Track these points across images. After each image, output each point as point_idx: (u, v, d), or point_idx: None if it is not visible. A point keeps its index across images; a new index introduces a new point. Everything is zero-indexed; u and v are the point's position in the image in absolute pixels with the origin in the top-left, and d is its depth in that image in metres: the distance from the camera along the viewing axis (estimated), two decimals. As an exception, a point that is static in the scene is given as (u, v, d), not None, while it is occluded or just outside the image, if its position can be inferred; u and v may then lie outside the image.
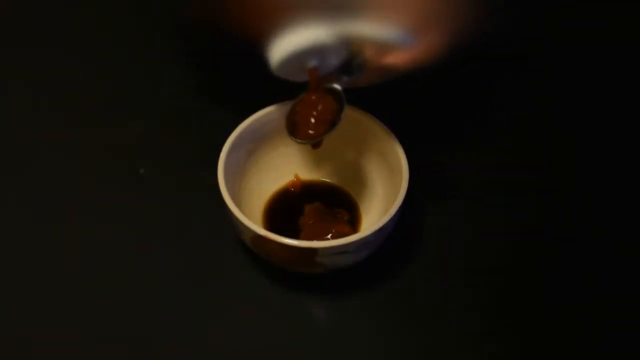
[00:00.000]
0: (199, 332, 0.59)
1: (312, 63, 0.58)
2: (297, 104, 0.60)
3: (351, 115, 0.64)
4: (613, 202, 0.67)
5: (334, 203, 0.66)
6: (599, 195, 0.68)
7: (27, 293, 0.62)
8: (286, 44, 0.56)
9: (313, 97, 0.60)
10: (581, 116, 0.74)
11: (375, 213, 0.64)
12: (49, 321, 0.60)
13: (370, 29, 0.55)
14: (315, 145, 0.61)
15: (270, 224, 0.65)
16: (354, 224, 0.65)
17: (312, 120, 0.60)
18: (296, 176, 0.69)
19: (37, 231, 0.65)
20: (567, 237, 0.65)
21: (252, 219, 0.59)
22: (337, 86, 0.59)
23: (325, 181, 0.69)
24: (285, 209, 0.66)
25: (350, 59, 0.58)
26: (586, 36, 0.79)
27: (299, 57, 0.57)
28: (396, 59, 0.57)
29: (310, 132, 0.60)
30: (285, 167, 0.68)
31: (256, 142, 0.65)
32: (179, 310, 0.61)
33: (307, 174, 0.69)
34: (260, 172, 0.67)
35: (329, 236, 0.62)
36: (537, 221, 0.66)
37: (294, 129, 0.60)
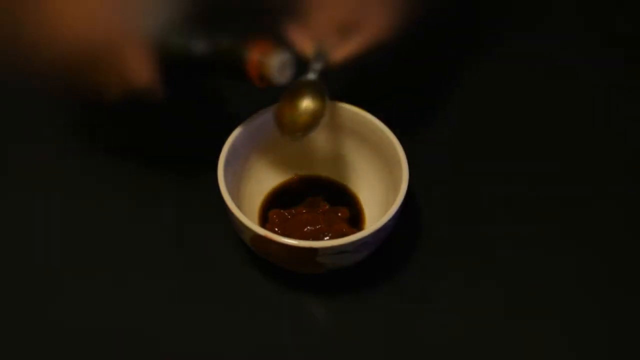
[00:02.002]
0: (198, 331, 0.59)
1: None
2: (281, 103, 0.61)
3: (351, 114, 0.64)
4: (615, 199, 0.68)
5: (335, 201, 0.66)
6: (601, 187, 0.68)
7: (26, 293, 0.62)
8: None
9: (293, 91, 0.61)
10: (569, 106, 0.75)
11: (377, 210, 0.64)
12: (48, 318, 0.60)
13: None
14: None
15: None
16: (356, 221, 0.65)
17: (298, 114, 0.61)
18: (296, 175, 0.69)
19: (36, 231, 0.65)
20: (568, 231, 0.65)
21: (252, 219, 0.59)
22: (311, 76, 0.60)
23: (326, 179, 0.69)
24: (286, 208, 0.65)
25: (315, 48, 0.60)
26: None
27: None
28: (355, 39, 0.59)
29: (298, 126, 0.61)
30: (285, 166, 0.68)
31: (256, 142, 0.65)
32: (179, 310, 0.61)
33: (307, 173, 0.69)
34: (260, 172, 0.67)
35: (328, 236, 0.62)
36: (539, 218, 0.66)
37: (283, 126, 0.61)
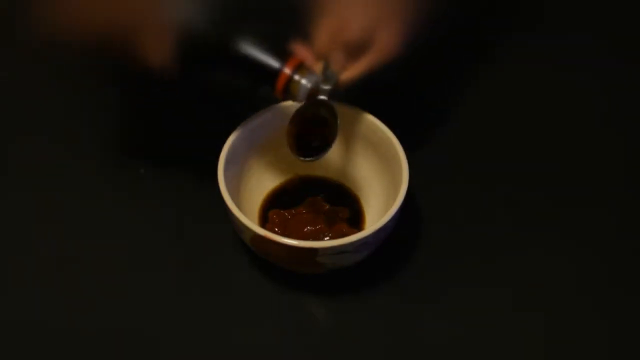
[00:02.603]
0: (199, 331, 0.59)
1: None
2: (293, 122, 0.61)
3: (352, 114, 0.64)
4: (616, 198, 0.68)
5: (335, 200, 0.66)
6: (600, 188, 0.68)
7: (27, 291, 0.62)
8: None
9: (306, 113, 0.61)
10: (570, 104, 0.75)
11: (377, 210, 0.64)
12: (49, 318, 0.60)
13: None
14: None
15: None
16: (356, 221, 0.65)
17: (311, 137, 0.61)
18: (296, 175, 0.69)
19: (37, 231, 0.65)
20: (567, 232, 0.65)
21: (252, 219, 0.59)
22: (322, 97, 0.60)
23: (326, 179, 0.69)
24: (286, 208, 0.65)
25: (323, 70, 0.60)
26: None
27: None
28: (364, 58, 0.59)
29: (311, 149, 0.61)
30: (285, 166, 0.68)
31: (256, 142, 0.65)
32: (179, 309, 0.61)
33: (307, 173, 0.69)
34: (260, 172, 0.67)
35: (328, 236, 0.62)
36: (539, 219, 0.66)
37: (297, 147, 0.61)
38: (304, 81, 0.57)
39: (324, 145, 0.60)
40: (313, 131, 0.61)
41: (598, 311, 0.61)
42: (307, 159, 0.60)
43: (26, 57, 0.76)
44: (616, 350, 0.59)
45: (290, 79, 0.57)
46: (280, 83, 0.57)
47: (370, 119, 0.63)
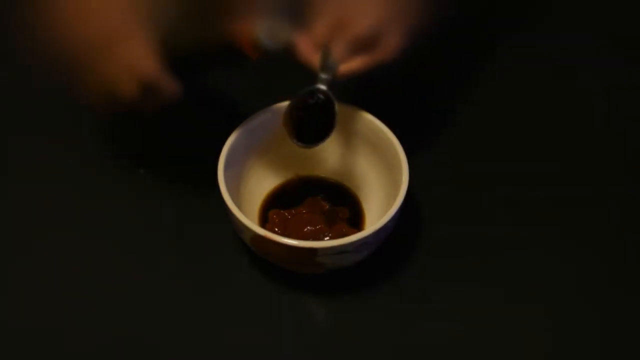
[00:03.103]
0: (198, 331, 0.59)
1: None
2: (291, 109, 0.61)
3: (352, 114, 0.64)
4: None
5: (335, 201, 0.66)
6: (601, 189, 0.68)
7: (27, 292, 0.62)
8: None
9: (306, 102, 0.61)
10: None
11: (377, 210, 0.64)
12: (49, 321, 0.60)
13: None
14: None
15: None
16: (356, 221, 0.65)
17: (310, 124, 0.61)
18: (296, 175, 0.69)
19: (37, 231, 0.65)
20: (567, 232, 0.65)
21: (252, 219, 0.59)
22: (321, 86, 0.60)
23: (326, 179, 0.69)
24: (286, 208, 0.65)
25: (323, 59, 0.59)
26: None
27: None
28: (367, 56, 0.59)
29: (310, 135, 0.61)
30: (285, 166, 0.68)
31: (256, 142, 0.65)
32: (179, 310, 0.61)
33: (307, 173, 0.69)
34: (260, 172, 0.67)
35: (328, 236, 0.62)
36: (539, 219, 0.66)
37: (295, 133, 0.61)
38: (257, 27, 0.57)
39: (323, 134, 0.60)
40: (312, 119, 0.61)
41: (598, 311, 0.61)
42: (304, 145, 0.60)
43: (26, 57, 0.76)
44: (616, 350, 0.59)
45: (247, 33, 0.57)
46: (244, 44, 0.57)
47: (370, 119, 0.63)
